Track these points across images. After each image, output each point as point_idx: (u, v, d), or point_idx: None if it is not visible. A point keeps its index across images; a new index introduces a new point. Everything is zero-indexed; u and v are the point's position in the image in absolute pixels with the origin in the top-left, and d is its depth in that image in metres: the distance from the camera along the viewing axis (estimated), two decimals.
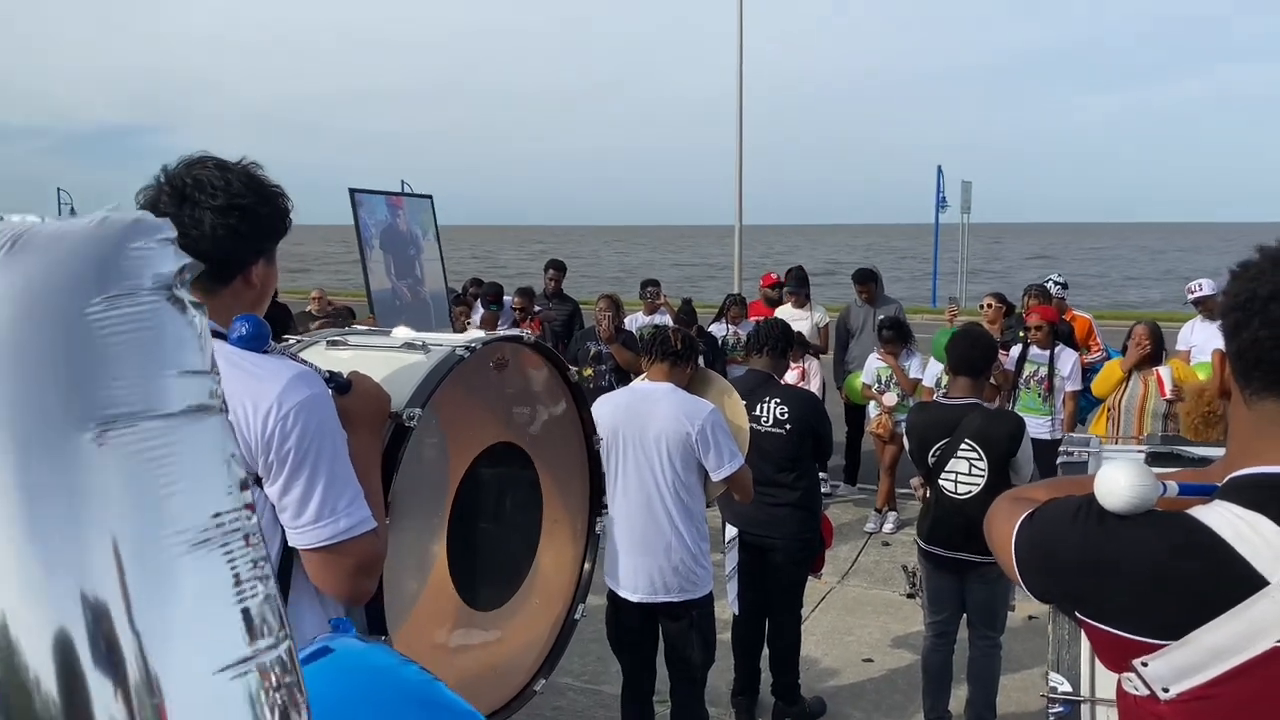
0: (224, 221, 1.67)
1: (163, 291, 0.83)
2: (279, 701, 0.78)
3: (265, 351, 1.70)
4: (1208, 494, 1.24)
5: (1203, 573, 1.10)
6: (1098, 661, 1.39)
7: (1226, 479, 1.19)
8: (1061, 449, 1.75)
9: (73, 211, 28.95)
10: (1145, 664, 1.13)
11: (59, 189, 29.88)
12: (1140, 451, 1.70)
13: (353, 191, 7.57)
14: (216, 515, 0.79)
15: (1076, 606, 1.22)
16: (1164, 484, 1.20)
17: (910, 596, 5.62)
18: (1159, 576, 1.12)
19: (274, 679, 0.78)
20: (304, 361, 1.79)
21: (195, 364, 0.83)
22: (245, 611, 0.78)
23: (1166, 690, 1.12)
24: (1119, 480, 1.17)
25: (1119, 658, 1.18)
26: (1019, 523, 1.30)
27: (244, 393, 1.61)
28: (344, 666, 1.34)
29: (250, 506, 0.84)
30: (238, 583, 0.79)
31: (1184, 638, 1.10)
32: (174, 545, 0.75)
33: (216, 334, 1.69)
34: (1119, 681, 1.21)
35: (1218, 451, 1.62)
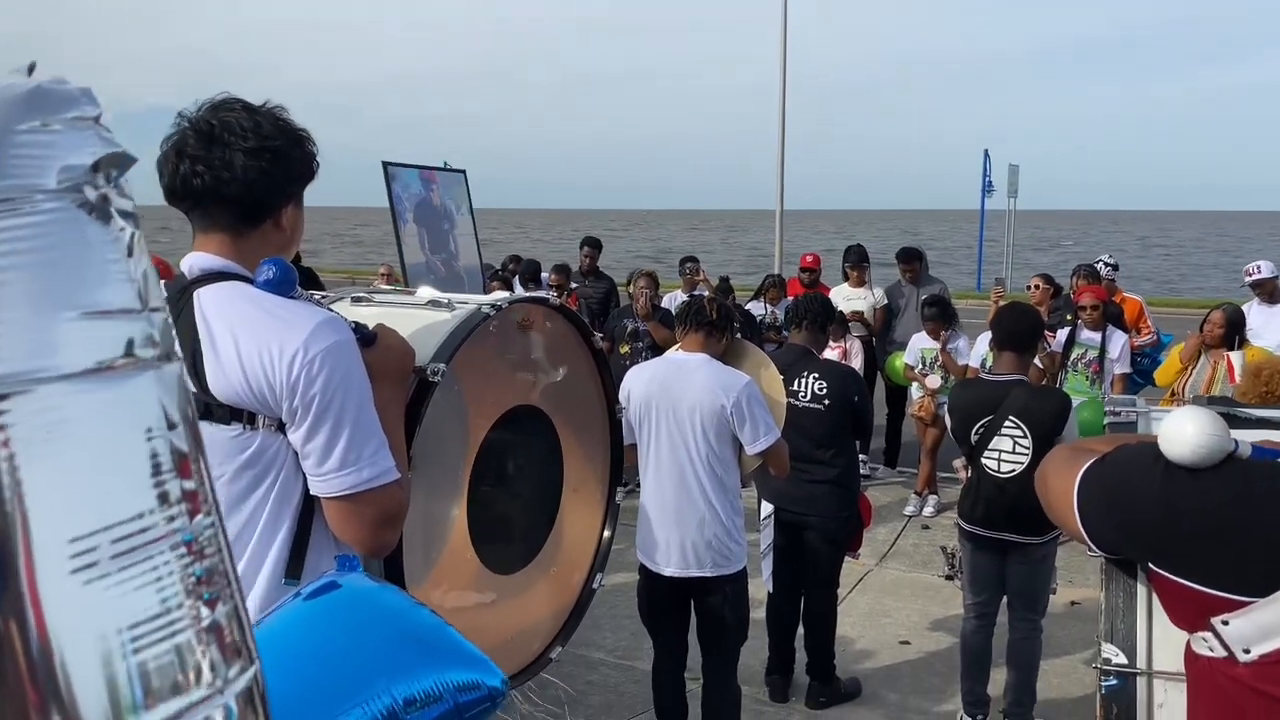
0: (255, 164, 1.64)
1: (73, 194, 0.57)
2: None
3: (293, 296, 1.67)
4: None
5: None
6: (1155, 632, 1.30)
7: None
8: (1107, 409, 1.66)
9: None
10: (1226, 622, 1.04)
11: None
12: None
13: (386, 165, 7.57)
14: (138, 518, 0.56)
15: (1150, 558, 1.13)
16: (1236, 440, 1.10)
17: (949, 578, 5.52)
18: (1246, 528, 1.04)
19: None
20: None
21: (119, 299, 0.59)
22: (176, 650, 0.57)
23: (1248, 651, 1.03)
24: (1186, 429, 1.07)
25: (1195, 615, 1.09)
26: (1083, 471, 1.21)
27: (270, 336, 1.58)
28: (354, 603, 1.30)
29: (193, 496, 0.60)
30: (167, 609, 0.57)
31: (1272, 595, 1.01)
32: (77, 564, 0.53)
33: (243, 277, 1.66)
34: (1188, 644, 1.12)
35: (1277, 414, 1.51)
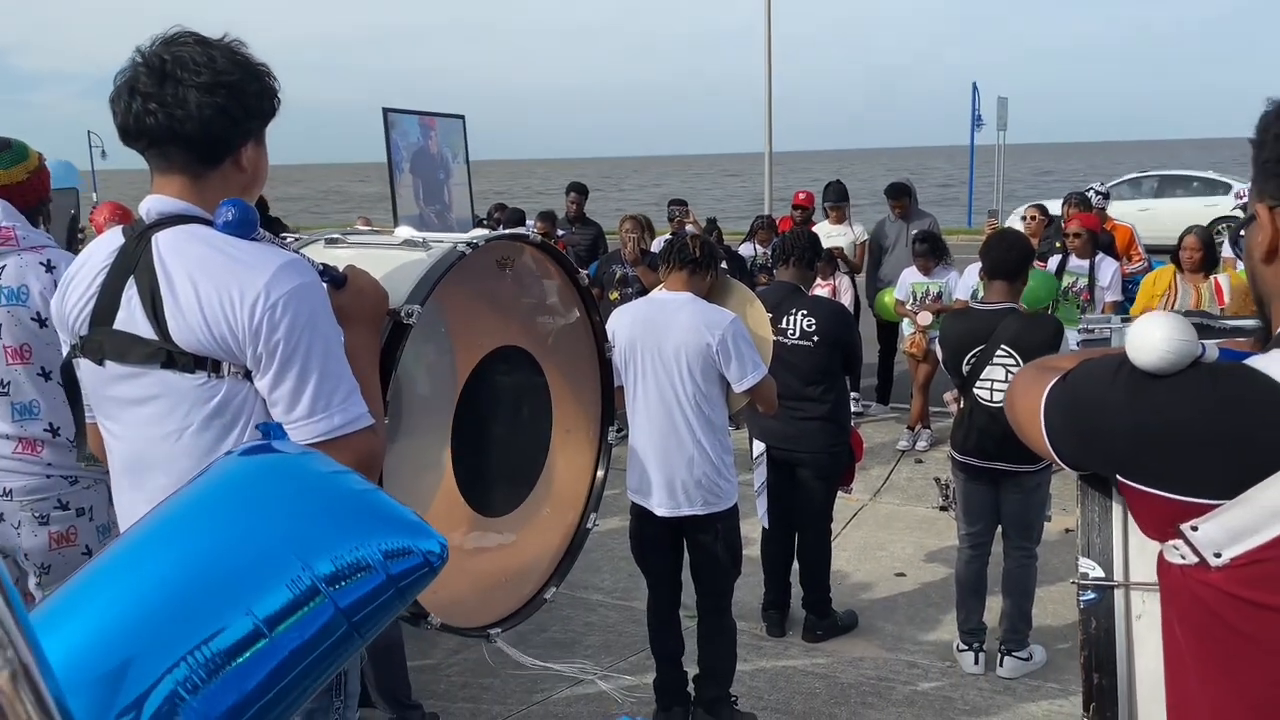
0: (210, 99, 1.58)
1: None
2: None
3: (253, 239, 1.62)
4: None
5: (1262, 425, 0.99)
6: (1131, 544, 1.30)
7: None
8: (1080, 327, 1.63)
9: (104, 154, 29.03)
10: (1195, 528, 1.03)
11: (89, 131, 29.93)
12: None
13: (386, 111, 7.47)
14: None
15: (1119, 470, 1.12)
16: (1203, 344, 1.08)
17: (943, 509, 5.56)
18: (1213, 431, 1.01)
19: None
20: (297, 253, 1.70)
21: None
22: None
23: (1219, 555, 1.01)
24: (1154, 334, 1.05)
25: (1164, 524, 1.07)
26: (1049, 387, 1.19)
27: (230, 280, 1.53)
28: (268, 474, 1.26)
29: None
30: None
31: (1239, 496, 0.99)
32: None
33: (203, 220, 1.61)
34: (1160, 554, 1.11)
35: (1250, 322, 1.49)
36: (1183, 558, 1.06)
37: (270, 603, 1.17)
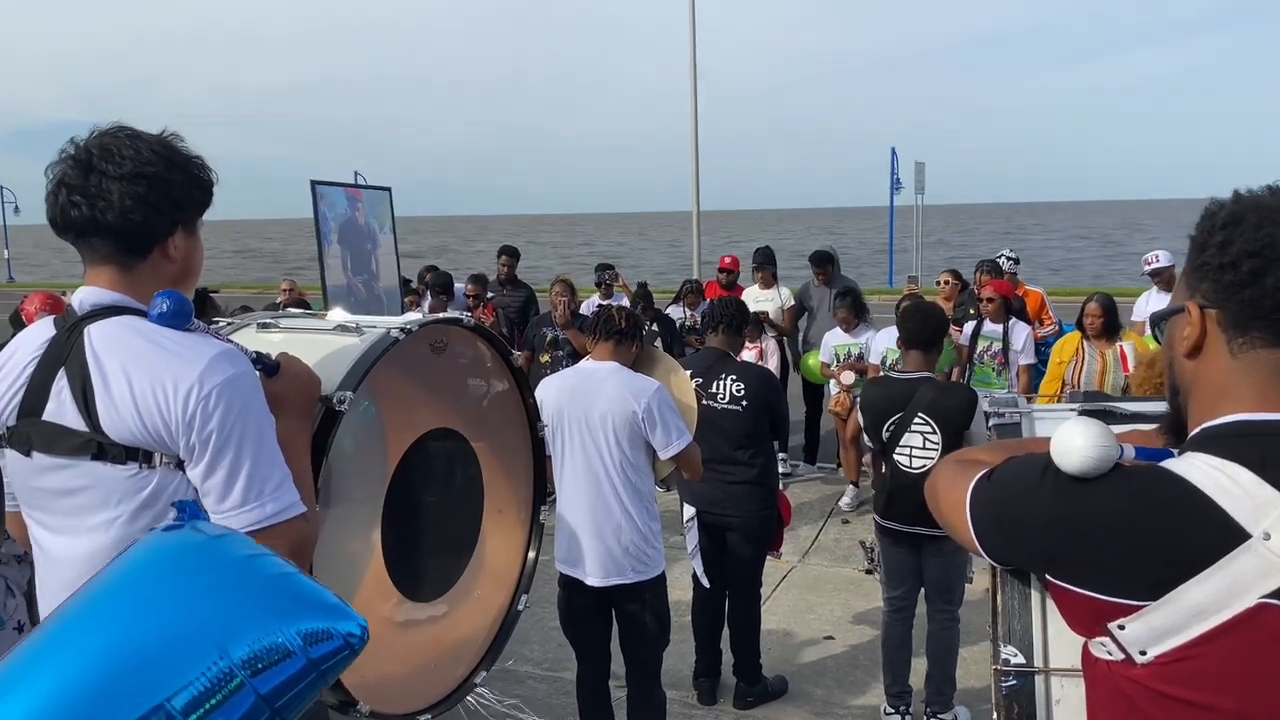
0: (131, 189, 1.60)
1: None
2: None
3: (188, 329, 1.63)
4: (1165, 459, 1.18)
5: (1182, 528, 1.04)
6: (1050, 630, 1.34)
7: (1197, 429, 1.13)
8: (991, 410, 1.69)
9: (16, 210, 28.19)
10: (1122, 627, 1.07)
11: (1, 186, 29.02)
12: (1070, 410, 1.65)
13: (314, 184, 7.44)
14: None
15: (1045, 569, 1.16)
16: (1122, 446, 1.14)
17: (869, 572, 5.63)
18: (1136, 534, 1.06)
19: None
20: (230, 342, 1.72)
21: None
22: None
23: (1144, 653, 1.06)
24: (1076, 441, 1.10)
25: (1091, 621, 1.12)
26: (974, 484, 1.23)
27: (163, 371, 1.55)
28: (186, 559, 1.27)
29: None
30: None
31: (1163, 597, 1.04)
32: None
33: (136, 311, 1.62)
34: (1085, 647, 1.16)
35: (1150, 406, 1.57)
36: (1109, 653, 1.10)
37: (188, 693, 1.17)
